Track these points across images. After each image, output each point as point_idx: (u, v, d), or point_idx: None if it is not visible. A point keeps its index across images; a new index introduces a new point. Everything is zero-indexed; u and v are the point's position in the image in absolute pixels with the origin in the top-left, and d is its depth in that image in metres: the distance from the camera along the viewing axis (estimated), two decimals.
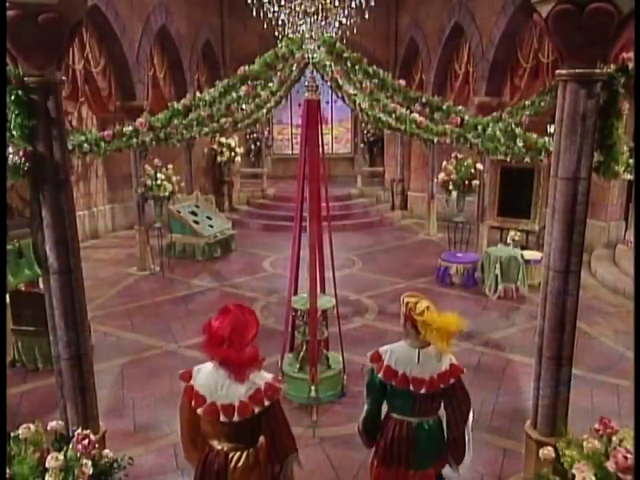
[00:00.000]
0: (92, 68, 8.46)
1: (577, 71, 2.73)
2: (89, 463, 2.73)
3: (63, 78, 2.97)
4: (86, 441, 2.70)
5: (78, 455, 2.70)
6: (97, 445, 2.79)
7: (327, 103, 17.27)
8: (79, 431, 2.81)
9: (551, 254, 3.10)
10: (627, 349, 6.45)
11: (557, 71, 2.83)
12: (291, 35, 5.44)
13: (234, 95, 5.50)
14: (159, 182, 9.12)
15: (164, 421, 5.09)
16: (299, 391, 5.32)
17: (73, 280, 3.10)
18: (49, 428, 2.91)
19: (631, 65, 2.67)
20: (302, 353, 5.49)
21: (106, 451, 2.93)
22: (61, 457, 2.65)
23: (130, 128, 4.69)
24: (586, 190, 2.89)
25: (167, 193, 9.21)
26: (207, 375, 2.89)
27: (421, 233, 12.29)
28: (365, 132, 16.02)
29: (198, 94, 5.03)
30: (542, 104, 6.32)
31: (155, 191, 9.14)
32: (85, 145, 4.40)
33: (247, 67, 4.99)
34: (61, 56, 2.84)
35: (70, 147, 4.38)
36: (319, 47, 5.13)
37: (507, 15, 8.71)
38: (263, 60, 4.98)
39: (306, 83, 5.26)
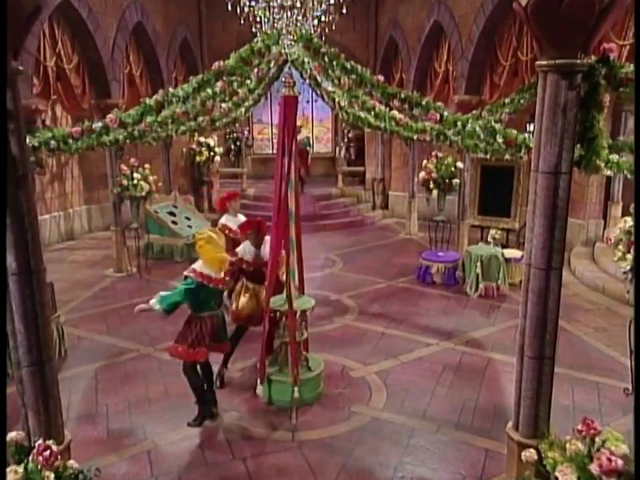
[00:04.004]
0: (64, 65, 8.25)
1: (557, 61, 2.65)
2: (52, 475, 2.58)
3: (20, 68, 2.82)
4: (47, 452, 2.55)
5: (39, 467, 2.55)
6: (59, 456, 2.64)
7: (308, 102, 17.22)
8: (40, 441, 2.66)
9: (532, 251, 3.03)
10: (606, 346, 6.46)
11: (537, 62, 2.75)
12: (268, 31, 5.33)
13: (209, 91, 5.35)
14: (135, 182, 8.93)
15: (139, 427, 4.94)
16: (279, 393, 5.21)
17: (33, 281, 2.93)
18: (8, 439, 2.75)
19: (612, 56, 2.61)
20: (281, 355, 5.37)
21: (71, 462, 2.78)
22: (21, 469, 2.50)
23: (99, 124, 4.52)
24: (567, 185, 2.82)
25: (143, 193, 9.02)
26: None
27: (402, 232, 12.25)
28: (346, 131, 15.95)
29: (171, 89, 4.87)
30: (521, 101, 6.27)
31: (131, 191, 8.95)
32: (52, 142, 4.22)
33: (221, 62, 4.85)
34: (16, 45, 2.68)
35: (36, 144, 4.22)
36: (295, 42, 5.02)
37: (486, 13, 8.70)
38: (238, 55, 4.85)
39: (283, 79, 5.15)
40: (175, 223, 10.47)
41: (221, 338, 4.96)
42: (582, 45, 2.59)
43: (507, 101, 6.51)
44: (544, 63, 2.71)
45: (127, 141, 6.06)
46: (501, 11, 8.37)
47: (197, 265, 4.79)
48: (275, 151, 16.67)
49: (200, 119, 8.85)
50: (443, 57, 10.59)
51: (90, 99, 9.09)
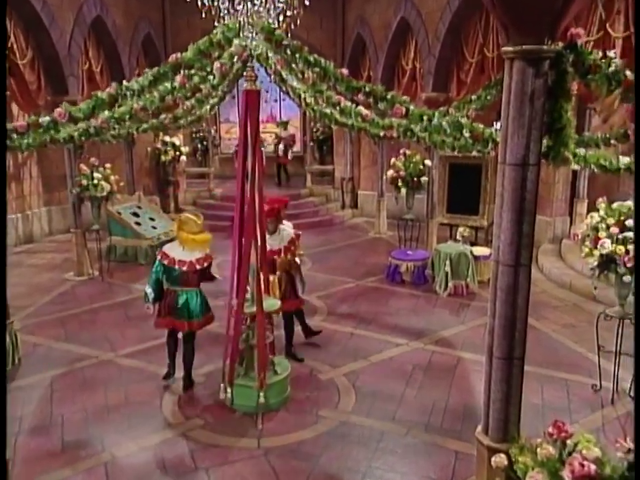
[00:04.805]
0: (18, 60, 7.90)
1: (523, 47, 2.54)
2: None
3: None
4: None
5: None
6: None
7: (275, 101, 17.03)
8: None
9: (500, 247, 2.92)
10: (574, 342, 6.46)
11: (503, 48, 2.64)
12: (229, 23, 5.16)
13: (168, 85, 5.16)
14: (95, 181, 8.62)
15: (96, 438, 4.69)
16: (244, 398, 5.02)
17: None
18: None
19: (579, 41, 2.52)
20: (246, 359, 5.19)
21: None
22: None
23: (47, 118, 4.26)
24: (535, 177, 2.72)
25: (104, 193, 8.72)
26: None
27: (372, 231, 12.16)
28: (314, 130, 15.82)
29: (125, 82, 4.64)
30: (488, 97, 6.27)
31: (91, 191, 8.64)
32: None
33: (179, 54, 4.65)
34: None
35: None
36: (256, 34, 4.85)
37: (452, 9, 8.66)
38: (197, 47, 4.66)
39: (244, 73, 4.97)
40: (138, 224, 10.16)
41: (178, 315, 5.28)
42: (549, 29, 2.49)
43: (473, 97, 6.50)
44: (510, 49, 2.59)
45: (83, 138, 5.83)
46: (467, 8, 8.35)
47: (167, 246, 5.40)
48: None
49: (162, 116, 8.66)
50: (410, 55, 10.56)
51: (46, 95, 8.74)
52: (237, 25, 4.77)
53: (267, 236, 5.53)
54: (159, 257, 5.27)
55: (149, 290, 5.29)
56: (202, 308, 5.36)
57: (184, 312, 5.27)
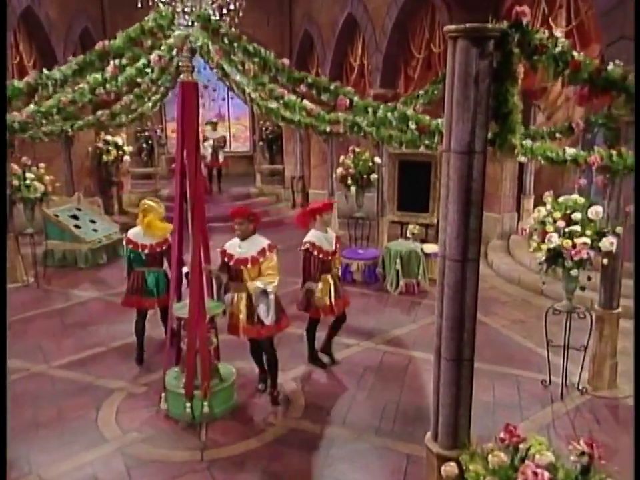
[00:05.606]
0: None
1: (467, 25, 2.38)
2: None
3: None
4: None
5: None
6: None
7: (223, 99, 16.69)
8: None
9: (447, 241, 2.76)
10: (523, 338, 6.45)
11: (446, 27, 2.47)
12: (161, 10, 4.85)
13: (98, 77, 4.81)
14: (27, 182, 8.10)
15: (22, 458, 4.32)
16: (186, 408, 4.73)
17: None
18: None
19: (525, 20, 2.39)
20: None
21: None
22: None
23: None
24: (482, 166, 2.57)
25: (38, 195, 8.21)
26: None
27: None
28: (264, 129, 15.56)
29: (45, 71, 4.27)
30: (435, 92, 6.19)
31: (23, 192, 8.12)
32: None
33: (106, 42, 4.32)
34: None
35: None
36: (192, 23, 4.57)
37: (399, 4, 8.59)
38: (127, 34, 4.32)
39: (180, 63, 4.68)
40: (78, 226, 9.66)
41: (148, 294, 5.72)
42: (493, 7, 2.36)
43: (421, 92, 6.40)
44: (452, 27, 2.42)
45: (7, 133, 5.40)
46: (413, 3, 8.29)
47: (130, 231, 5.81)
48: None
49: (99, 112, 8.22)
50: (357, 51, 10.47)
51: None
52: (170, 12, 4.47)
53: (238, 242, 4.90)
54: (124, 242, 5.82)
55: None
56: (168, 286, 5.67)
57: (154, 291, 5.72)
